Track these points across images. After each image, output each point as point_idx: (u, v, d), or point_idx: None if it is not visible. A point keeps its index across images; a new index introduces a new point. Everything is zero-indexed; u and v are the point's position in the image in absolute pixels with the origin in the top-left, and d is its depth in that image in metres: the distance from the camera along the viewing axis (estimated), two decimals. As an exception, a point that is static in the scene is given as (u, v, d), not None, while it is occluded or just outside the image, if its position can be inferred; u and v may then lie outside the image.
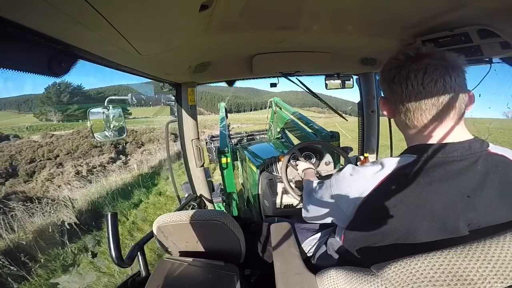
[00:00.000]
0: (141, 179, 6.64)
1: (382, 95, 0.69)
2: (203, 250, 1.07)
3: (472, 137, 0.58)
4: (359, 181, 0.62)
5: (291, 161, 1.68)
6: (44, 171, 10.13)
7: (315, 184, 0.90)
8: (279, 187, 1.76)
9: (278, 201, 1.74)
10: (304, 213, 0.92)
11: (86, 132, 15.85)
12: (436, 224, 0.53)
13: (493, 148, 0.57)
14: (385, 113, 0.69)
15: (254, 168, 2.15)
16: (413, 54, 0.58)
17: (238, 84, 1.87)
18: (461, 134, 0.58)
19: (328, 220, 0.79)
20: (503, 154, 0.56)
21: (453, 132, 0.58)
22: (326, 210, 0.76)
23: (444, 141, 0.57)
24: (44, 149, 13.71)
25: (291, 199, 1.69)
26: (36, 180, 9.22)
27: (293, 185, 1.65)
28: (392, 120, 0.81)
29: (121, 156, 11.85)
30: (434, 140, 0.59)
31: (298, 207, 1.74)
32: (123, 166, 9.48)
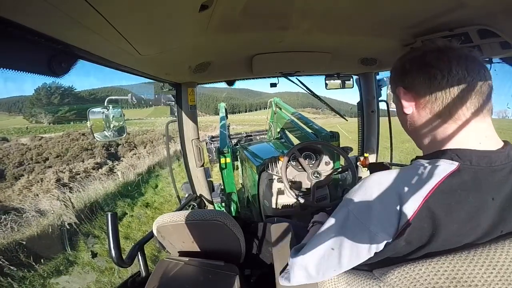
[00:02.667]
0: (140, 183, 6.26)
1: (400, 85, 0.58)
2: (203, 250, 1.07)
3: (502, 142, 0.53)
4: (398, 194, 0.49)
5: (291, 161, 1.68)
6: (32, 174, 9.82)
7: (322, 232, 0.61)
8: (275, 187, 1.76)
9: (274, 201, 1.75)
10: (306, 278, 0.62)
11: (77, 134, 15.65)
12: (470, 238, 0.48)
13: None
14: (404, 104, 0.58)
15: (254, 168, 2.15)
16: (449, 43, 0.54)
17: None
18: (493, 137, 0.53)
19: (344, 269, 0.57)
20: None
21: (488, 132, 0.52)
22: (349, 254, 0.53)
23: (485, 147, 0.51)
24: (33, 152, 13.53)
25: (290, 199, 1.69)
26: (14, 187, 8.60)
27: (293, 185, 1.66)
28: (391, 120, 0.77)
29: (108, 161, 11.30)
30: (469, 141, 0.51)
31: (295, 205, 1.74)
32: (112, 171, 8.81)
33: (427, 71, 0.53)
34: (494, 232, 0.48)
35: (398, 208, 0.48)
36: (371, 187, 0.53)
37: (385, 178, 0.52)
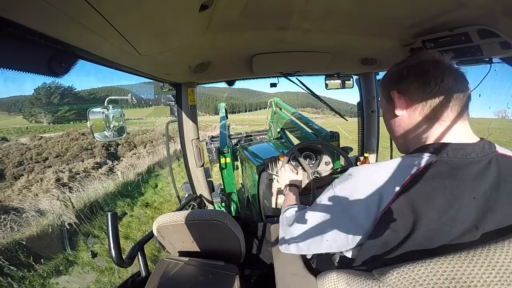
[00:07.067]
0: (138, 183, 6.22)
1: (394, 89, 0.64)
2: (203, 250, 1.07)
3: (479, 138, 0.58)
4: (379, 183, 0.54)
5: (291, 161, 1.68)
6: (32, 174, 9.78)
7: (301, 208, 0.77)
8: (275, 187, 1.76)
9: (274, 201, 1.75)
10: (288, 248, 0.72)
11: (77, 134, 15.63)
12: (456, 229, 0.51)
13: (500, 149, 0.57)
14: (397, 105, 0.63)
15: (254, 168, 2.15)
16: (442, 56, 0.61)
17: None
18: (471, 136, 0.58)
19: (326, 248, 0.64)
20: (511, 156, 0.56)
21: (466, 132, 0.58)
22: (330, 233, 0.61)
23: (462, 141, 0.56)
24: (32, 152, 13.51)
25: None
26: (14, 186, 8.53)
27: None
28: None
29: (108, 160, 11.10)
30: (449, 138, 0.57)
31: None
32: (111, 171, 8.76)
33: (423, 78, 0.59)
34: (484, 222, 0.51)
35: (377, 195, 0.54)
36: (356, 175, 0.59)
37: (370, 170, 0.59)
